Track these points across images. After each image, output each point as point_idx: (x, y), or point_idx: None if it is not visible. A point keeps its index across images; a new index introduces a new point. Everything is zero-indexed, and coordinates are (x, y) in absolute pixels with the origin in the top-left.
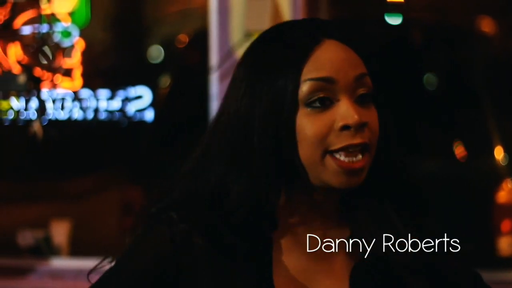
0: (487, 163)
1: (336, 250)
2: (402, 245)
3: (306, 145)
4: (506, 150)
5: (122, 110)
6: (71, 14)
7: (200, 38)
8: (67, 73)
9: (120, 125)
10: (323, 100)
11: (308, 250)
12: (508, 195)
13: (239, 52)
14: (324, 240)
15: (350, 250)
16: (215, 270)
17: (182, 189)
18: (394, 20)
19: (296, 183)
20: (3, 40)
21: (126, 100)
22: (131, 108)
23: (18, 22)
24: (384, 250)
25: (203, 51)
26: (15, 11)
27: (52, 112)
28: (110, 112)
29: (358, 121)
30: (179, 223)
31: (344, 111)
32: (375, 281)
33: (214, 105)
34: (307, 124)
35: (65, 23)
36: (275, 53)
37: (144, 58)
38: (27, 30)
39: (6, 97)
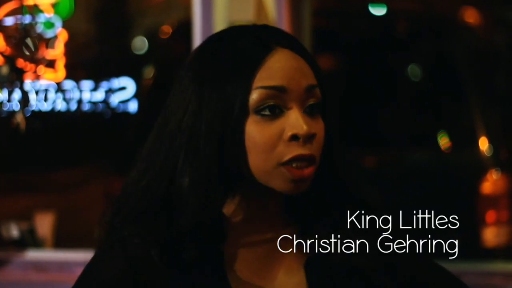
0: (472, 154)
1: (293, 249)
2: (348, 246)
3: (256, 154)
4: (490, 141)
5: (105, 102)
6: (54, 5)
7: (184, 29)
8: (50, 64)
9: (103, 117)
10: (273, 108)
11: (259, 253)
12: (492, 186)
13: None
14: (277, 240)
15: (305, 248)
16: (171, 285)
17: (131, 200)
18: (378, 11)
19: (241, 189)
20: None
21: (110, 91)
22: (115, 99)
23: (0, 13)
24: (331, 249)
25: (187, 42)
26: None
27: (35, 103)
28: (94, 104)
29: (307, 132)
30: (132, 241)
31: (294, 121)
32: (331, 273)
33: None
34: (256, 132)
35: (48, 14)
36: (226, 58)
37: (128, 49)
38: (9, 21)
39: None
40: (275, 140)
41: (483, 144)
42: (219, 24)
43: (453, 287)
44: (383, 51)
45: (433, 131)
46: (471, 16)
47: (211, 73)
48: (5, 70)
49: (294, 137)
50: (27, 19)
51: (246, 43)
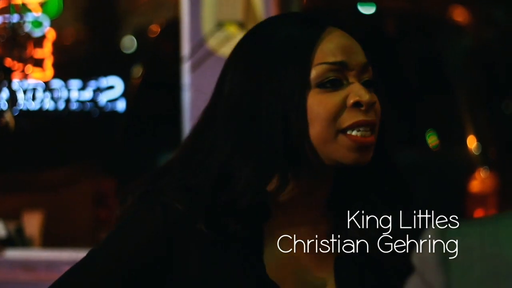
0: (460, 152)
1: (328, 241)
2: (386, 245)
3: (318, 124)
4: (479, 140)
5: (93, 101)
6: (42, 4)
7: (172, 28)
8: (38, 63)
9: (91, 116)
10: (334, 81)
11: (297, 240)
12: (481, 185)
13: (211, 42)
14: (315, 228)
15: (336, 242)
16: (207, 255)
17: (176, 174)
18: (367, 9)
19: (300, 169)
20: None
21: (98, 90)
22: (103, 98)
23: None
24: (368, 248)
25: (175, 41)
26: None
27: (23, 102)
28: (82, 103)
29: (370, 99)
30: (173, 205)
31: (357, 89)
32: (360, 272)
33: (186, 95)
34: (319, 103)
35: (36, 13)
36: (282, 40)
37: (116, 48)
38: None
39: None
40: (337, 108)
41: (472, 142)
42: (207, 24)
43: None
44: (371, 49)
45: (422, 130)
46: (459, 14)
47: (269, 56)
48: None
49: (357, 104)
50: (15, 18)
51: (300, 25)
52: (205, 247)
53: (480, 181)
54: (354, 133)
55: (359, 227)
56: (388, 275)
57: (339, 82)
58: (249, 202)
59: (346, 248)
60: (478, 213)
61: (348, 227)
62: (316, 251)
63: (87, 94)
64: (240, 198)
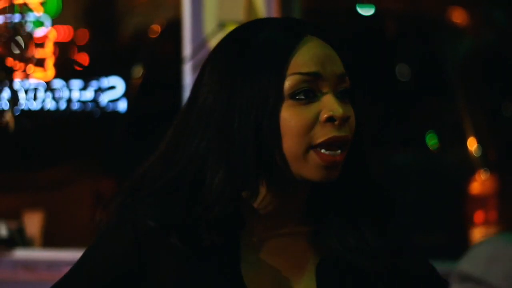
0: (460, 154)
1: (308, 247)
2: (365, 249)
3: (290, 138)
4: (479, 141)
5: (95, 101)
6: (43, 3)
7: (173, 28)
8: (40, 63)
9: (93, 116)
10: (308, 92)
11: (274, 245)
12: (481, 186)
13: (213, 43)
14: (294, 235)
15: (316, 249)
16: (182, 268)
17: (150, 186)
18: (366, 11)
19: (272, 178)
20: None
21: (99, 90)
22: (104, 98)
23: None
24: (347, 252)
25: (176, 41)
26: None
27: (25, 102)
28: (83, 103)
29: (343, 114)
30: (145, 221)
31: (330, 103)
32: (342, 276)
33: (187, 96)
34: (292, 116)
35: (37, 13)
36: (257, 48)
37: (117, 48)
38: None
39: None
40: (310, 122)
41: (472, 144)
42: (209, 24)
43: None
44: (371, 51)
45: (421, 131)
46: (458, 16)
47: (243, 64)
48: None
49: (331, 119)
50: (16, 18)
51: (277, 33)
52: (181, 260)
53: (480, 183)
54: (323, 151)
55: (339, 234)
56: (370, 281)
57: (313, 93)
58: (222, 211)
59: (326, 255)
60: (478, 215)
61: (328, 234)
62: (296, 259)
63: (88, 94)
64: (213, 207)
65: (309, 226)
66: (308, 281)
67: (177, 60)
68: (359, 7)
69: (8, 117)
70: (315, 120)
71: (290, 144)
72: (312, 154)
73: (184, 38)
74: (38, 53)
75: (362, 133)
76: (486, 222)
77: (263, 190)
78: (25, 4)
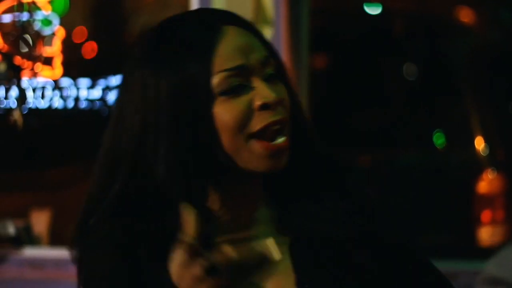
0: (468, 153)
1: (275, 234)
2: (331, 219)
3: (227, 133)
4: (486, 141)
5: (102, 99)
6: (51, 2)
7: None
8: (48, 61)
9: (100, 114)
10: (238, 87)
11: (243, 242)
12: (488, 186)
13: None
14: (260, 225)
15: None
16: (159, 277)
17: (100, 200)
18: (373, 10)
19: (221, 180)
20: None
21: (107, 89)
22: (112, 97)
23: None
24: (315, 225)
25: None
26: None
27: (33, 101)
28: (91, 101)
29: (276, 98)
30: (117, 239)
31: (261, 90)
32: (316, 251)
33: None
34: (225, 111)
35: (45, 11)
36: (176, 46)
37: (124, 47)
38: (7, 18)
39: None
40: (244, 114)
41: (479, 143)
42: None
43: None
44: (378, 50)
45: (428, 130)
46: (466, 15)
47: (165, 62)
48: (2, 67)
49: (265, 106)
50: (24, 16)
51: (194, 28)
52: (155, 271)
53: (487, 182)
54: (266, 139)
55: (303, 211)
56: (345, 248)
57: (243, 86)
58: (173, 221)
59: (296, 234)
60: (486, 214)
61: (292, 214)
62: (267, 246)
63: (96, 93)
64: (164, 219)
65: (274, 212)
66: (285, 263)
67: None
68: (366, 6)
69: (16, 115)
70: (249, 110)
71: (228, 139)
72: (253, 144)
73: None
74: (46, 52)
75: (299, 110)
76: (493, 222)
77: (216, 191)
78: (33, 3)
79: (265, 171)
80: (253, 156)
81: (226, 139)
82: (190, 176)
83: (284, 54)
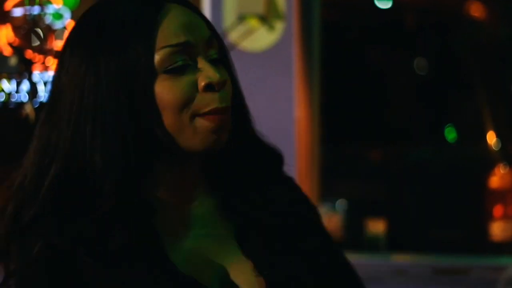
0: (479, 148)
1: (219, 216)
2: (272, 205)
3: (170, 112)
4: (498, 135)
5: None
6: None
7: None
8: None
9: None
10: (182, 66)
11: (189, 223)
12: (500, 180)
13: (232, 35)
14: (204, 207)
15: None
16: (107, 280)
17: (32, 193)
18: (384, 4)
19: (160, 159)
20: None
21: None
22: None
23: (9, 4)
24: (258, 212)
25: None
26: None
27: (44, 94)
28: None
29: (220, 79)
30: (49, 244)
31: (206, 70)
32: (261, 237)
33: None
34: (168, 90)
35: (56, 5)
36: (118, 23)
37: None
38: (18, 12)
39: None
40: (188, 93)
41: (491, 138)
42: (228, 17)
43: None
44: (389, 44)
45: (440, 125)
46: (477, 9)
47: (105, 42)
48: (13, 61)
49: (209, 86)
50: (35, 10)
51: (136, 5)
52: (103, 273)
53: (499, 177)
54: (211, 116)
55: (244, 198)
56: (288, 234)
57: (187, 65)
58: (113, 205)
59: (240, 220)
60: (498, 209)
61: (234, 200)
62: (215, 233)
63: None
64: (101, 206)
65: (216, 194)
66: (234, 250)
67: None
68: (377, 0)
69: (28, 109)
70: (193, 90)
71: (171, 119)
72: (199, 120)
73: None
74: (57, 45)
75: (240, 98)
76: (505, 216)
77: (156, 172)
78: None
79: (208, 147)
80: (197, 132)
81: (168, 118)
82: (128, 164)
83: (296, 47)
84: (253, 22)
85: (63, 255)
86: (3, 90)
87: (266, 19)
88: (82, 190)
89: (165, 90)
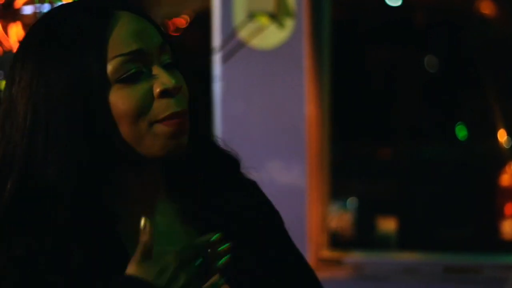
0: (490, 146)
1: (180, 220)
2: (234, 212)
3: (126, 122)
4: (509, 133)
5: None
6: None
7: (201, 19)
8: None
9: None
10: (136, 74)
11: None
12: (511, 178)
13: (242, 33)
14: (165, 219)
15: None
16: None
17: None
18: (394, 1)
19: (121, 166)
20: (4, 20)
21: None
22: None
23: (19, 2)
24: (219, 219)
25: (204, 32)
26: None
27: None
28: None
29: (176, 85)
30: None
31: (160, 77)
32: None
33: (217, 87)
34: (123, 100)
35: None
36: (67, 34)
37: None
38: (28, 9)
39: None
40: (144, 102)
41: (502, 136)
42: (238, 15)
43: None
44: (399, 42)
45: (450, 123)
46: (487, 7)
47: (55, 53)
48: None
49: (165, 93)
50: (46, 7)
51: (85, 14)
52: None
53: (510, 175)
54: (169, 121)
55: (205, 204)
56: (251, 241)
57: (140, 72)
58: (71, 221)
59: (201, 227)
60: (509, 207)
61: (194, 206)
62: (176, 239)
63: None
64: (60, 216)
65: (174, 204)
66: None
67: (206, 51)
68: None
69: None
70: (149, 97)
71: (128, 128)
72: (158, 126)
73: (214, 29)
74: None
75: (195, 100)
76: None
77: (114, 182)
78: None
79: (168, 153)
80: (156, 139)
81: (125, 128)
82: (84, 175)
83: (306, 45)
84: (263, 20)
85: (28, 269)
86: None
87: (276, 16)
88: (39, 205)
89: (120, 100)
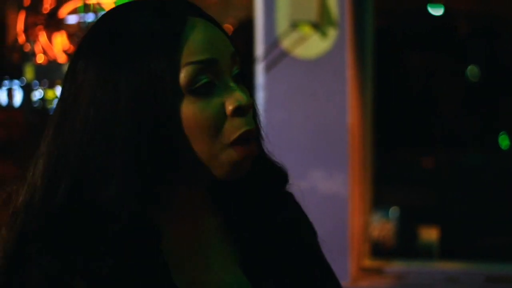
0: None
1: (225, 241)
2: (276, 229)
3: (200, 138)
4: None
5: None
6: (116, 2)
7: (244, 28)
8: None
9: None
10: (208, 84)
11: (195, 246)
12: None
13: (285, 42)
14: (209, 231)
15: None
16: None
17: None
18: (436, 10)
19: (177, 180)
20: (49, 30)
21: None
22: None
23: (63, 11)
24: (260, 234)
25: (247, 41)
26: (61, 1)
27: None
28: None
29: (248, 102)
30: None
31: (234, 93)
32: (264, 260)
33: (260, 96)
34: (197, 113)
35: None
36: (137, 36)
37: None
38: (72, 19)
39: (51, 86)
40: (218, 118)
41: None
42: (281, 24)
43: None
44: (441, 51)
45: (493, 132)
46: None
47: (124, 55)
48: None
49: (238, 110)
50: (90, 17)
51: (158, 16)
52: None
53: None
54: (240, 146)
55: (249, 221)
56: (292, 257)
57: (212, 84)
58: (121, 230)
59: (242, 241)
60: None
61: (237, 222)
62: (219, 254)
63: None
64: (116, 231)
65: (221, 218)
66: (238, 277)
67: (249, 60)
68: (430, 7)
69: None
70: (222, 115)
71: (201, 144)
72: (229, 151)
73: (257, 38)
74: None
75: (258, 115)
76: None
77: (163, 194)
78: (98, 4)
79: (232, 177)
80: (225, 162)
81: (198, 145)
82: (145, 196)
83: (348, 54)
84: (306, 29)
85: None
86: (57, 97)
87: (319, 26)
88: (91, 217)
89: (193, 114)
